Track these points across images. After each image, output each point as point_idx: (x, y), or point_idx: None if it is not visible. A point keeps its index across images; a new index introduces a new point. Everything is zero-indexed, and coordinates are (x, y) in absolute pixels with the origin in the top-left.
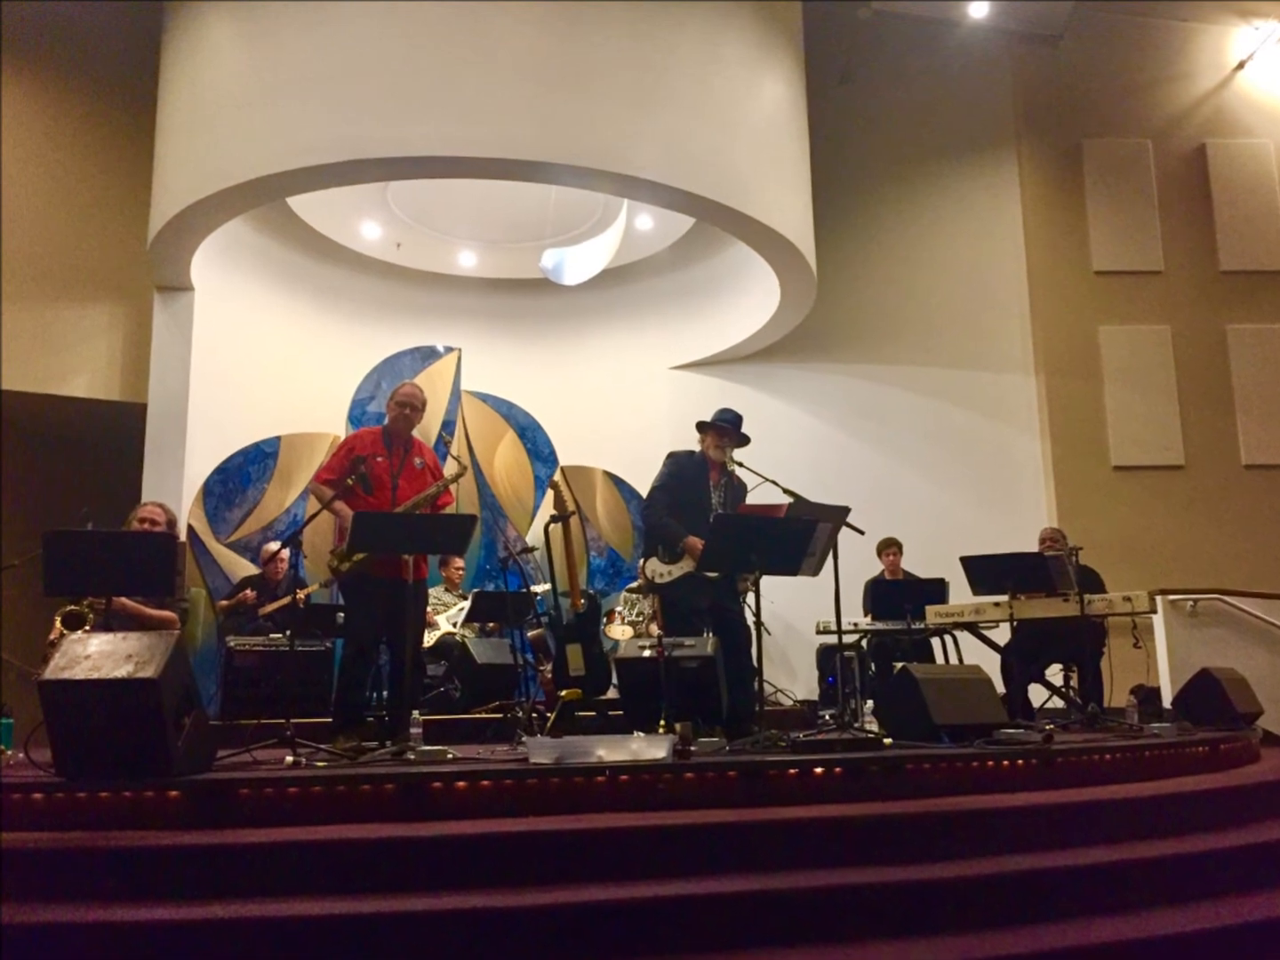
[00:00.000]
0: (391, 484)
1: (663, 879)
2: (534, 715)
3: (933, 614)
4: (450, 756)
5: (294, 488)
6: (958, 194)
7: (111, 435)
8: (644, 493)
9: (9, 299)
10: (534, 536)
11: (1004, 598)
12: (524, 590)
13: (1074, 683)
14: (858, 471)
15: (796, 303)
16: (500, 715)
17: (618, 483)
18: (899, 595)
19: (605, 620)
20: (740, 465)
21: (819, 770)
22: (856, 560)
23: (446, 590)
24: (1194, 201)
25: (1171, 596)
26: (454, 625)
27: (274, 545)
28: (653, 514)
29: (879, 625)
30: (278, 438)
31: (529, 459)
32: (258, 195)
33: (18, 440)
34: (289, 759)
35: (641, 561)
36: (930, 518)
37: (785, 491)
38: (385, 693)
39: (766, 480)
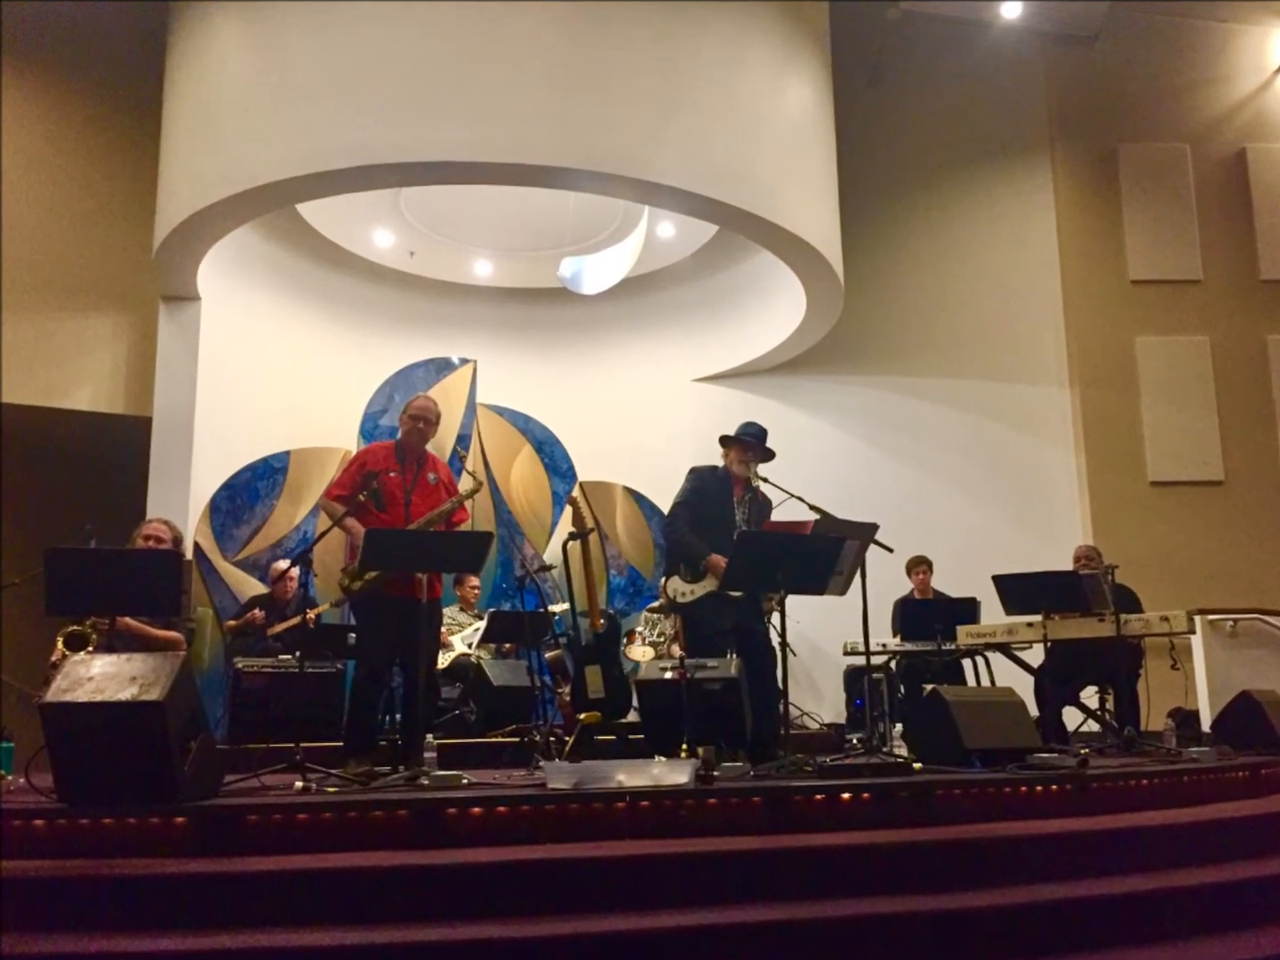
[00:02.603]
0: (405, 500)
1: (685, 908)
2: (552, 739)
3: (964, 634)
4: (465, 781)
5: (304, 504)
6: (990, 200)
7: (115, 450)
8: (665, 509)
9: (9, 309)
10: (552, 554)
11: (1037, 618)
12: (541, 610)
13: (1110, 705)
14: (886, 487)
15: (823, 313)
16: (517, 739)
17: (638, 499)
18: (929, 615)
19: (625, 641)
20: (765, 481)
21: (846, 796)
22: (885, 579)
23: (461, 610)
24: (1234, 208)
25: (1210, 616)
26: (469, 646)
27: (283, 564)
28: (674, 531)
29: (908, 646)
30: (287, 452)
31: (547, 474)
32: (266, 202)
33: (18, 455)
34: (299, 784)
35: (663, 580)
36: (961, 535)
37: (811, 508)
38: (398, 716)
39: (792, 496)
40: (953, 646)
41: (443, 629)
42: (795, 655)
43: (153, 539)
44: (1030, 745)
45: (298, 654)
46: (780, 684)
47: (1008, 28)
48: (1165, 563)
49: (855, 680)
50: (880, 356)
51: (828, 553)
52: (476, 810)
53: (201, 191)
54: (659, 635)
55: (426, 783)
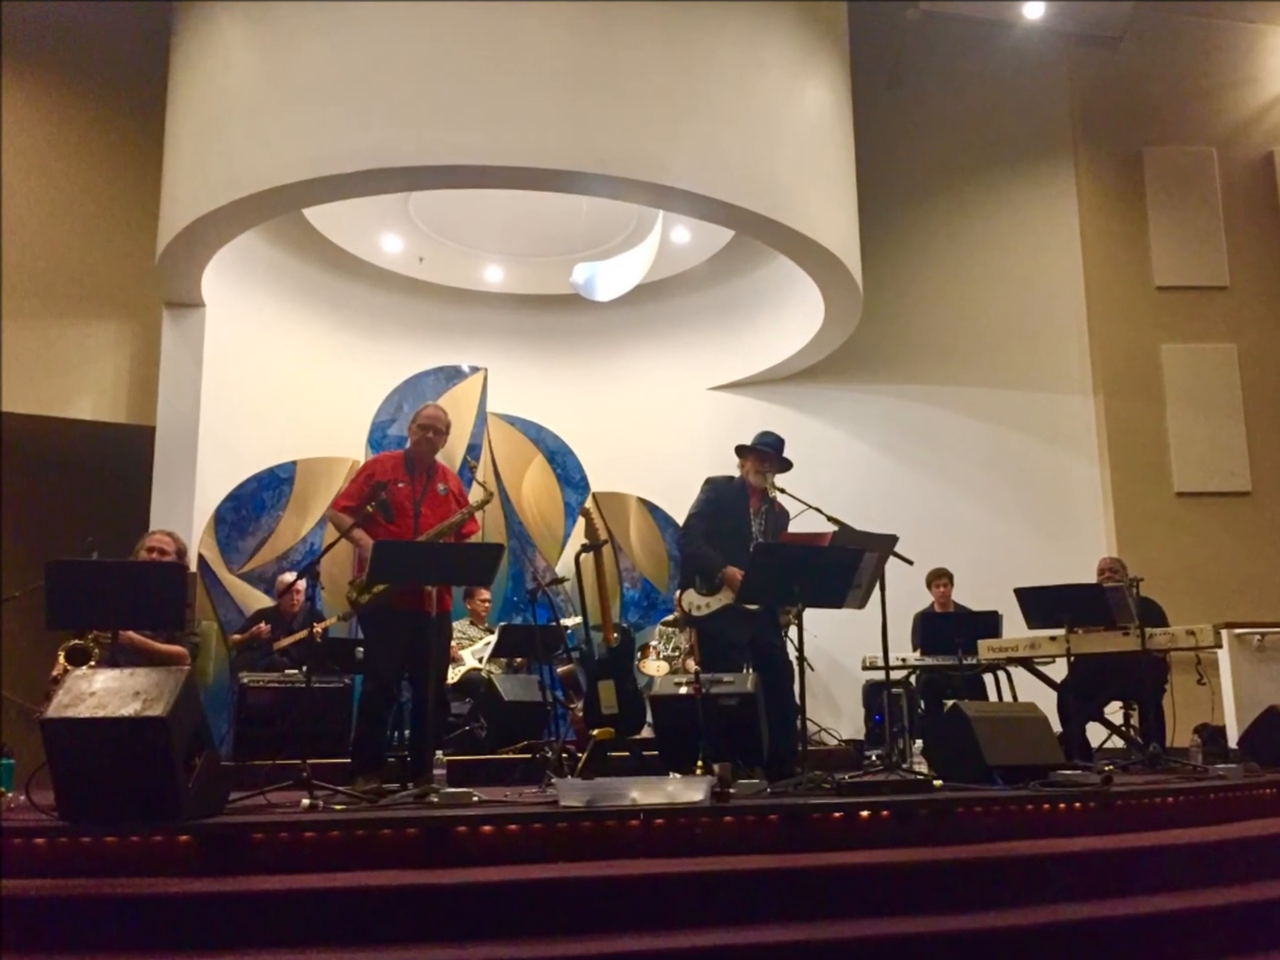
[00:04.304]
0: (414, 511)
1: (700, 928)
2: (564, 755)
3: (985, 648)
4: (475, 799)
5: (311, 515)
6: (1012, 205)
7: (118, 460)
8: (680, 520)
9: (10, 316)
10: (564, 567)
11: (1061, 631)
12: (553, 624)
13: (1134, 721)
14: (906, 498)
15: (841, 320)
16: (528, 755)
17: (652, 510)
18: (950, 629)
19: (639, 655)
20: (782, 491)
21: (865, 814)
22: (905, 592)
23: (472, 624)
24: (1261, 213)
25: (1238, 630)
26: (480, 660)
27: (289, 576)
28: (690, 543)
29: (928, 660)
30: (293, 462)
31: (559, 485)
32: (272, 206)
33: (19, 465)
34: (305, 802)
35: (678, 593)
36: (983, 547)
37: (829, 519)
38: (407, 732)
39: (810, 507)
40: (974, 661)
41: (452, 643)
42: (813, 670)
43: (156, 551)
44: (1053, 762)
45: (304, 669)
46: (798, 699)
47: (1030, 28)
48: (1191, 575)
49: (874, 695)
50: (900, 364)
51: (846, 565)
52: (487, 828)
53: (206, 196)
54: (674, 649)
55: (436, 800)
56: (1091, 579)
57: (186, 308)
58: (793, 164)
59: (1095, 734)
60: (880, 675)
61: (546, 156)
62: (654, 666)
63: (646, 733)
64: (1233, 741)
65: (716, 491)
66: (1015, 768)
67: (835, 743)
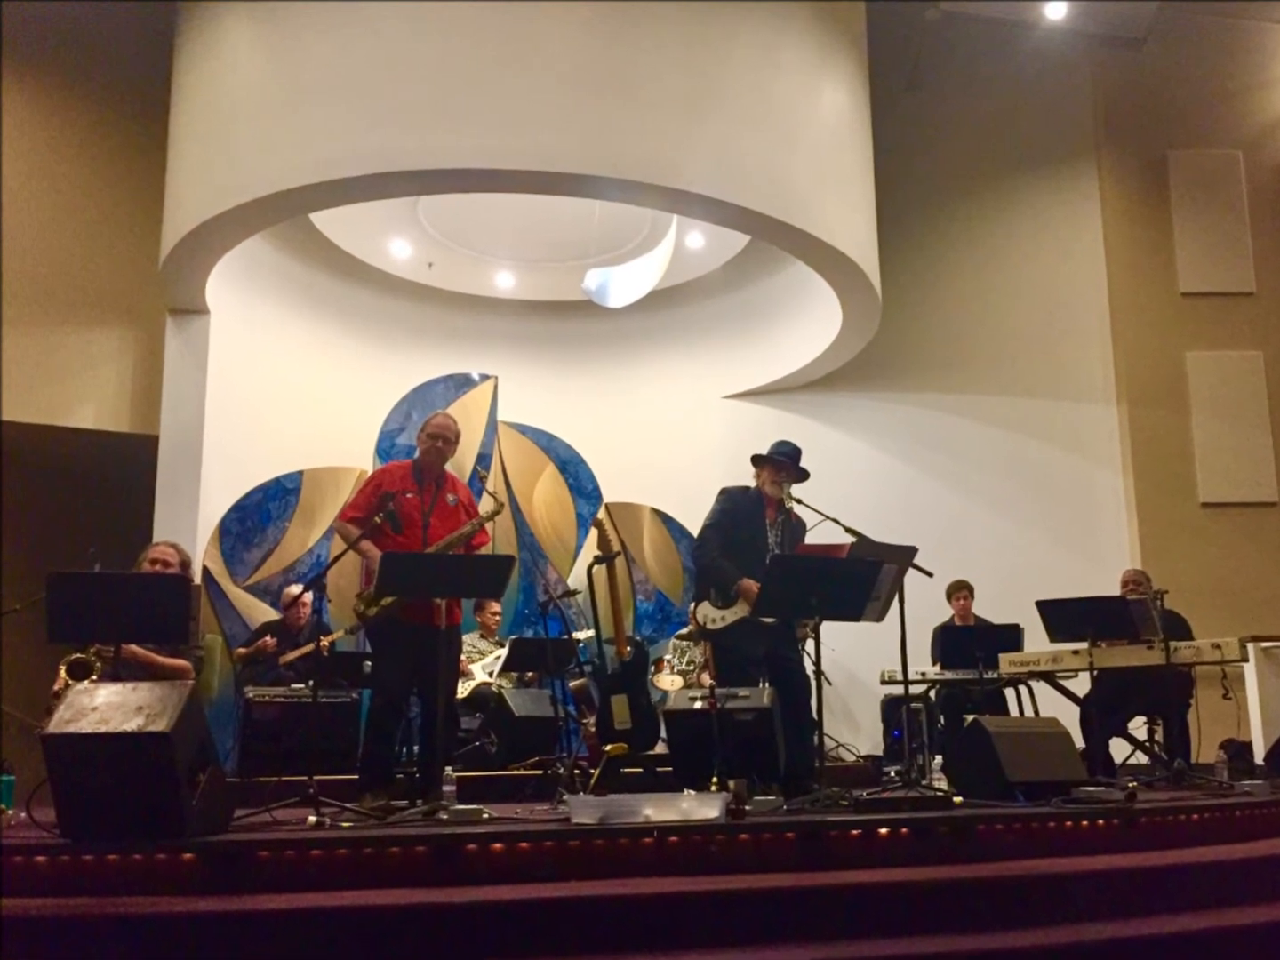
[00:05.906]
0: (422, 522)
1: (715, 948)
2: (576, 772)
3: (1006, 663)
4: (486, 816)
5: (317, 526)
6: (1034, 210)
7: (120, 470)
8: (695, 531)
9: (10, 323)
10: (576, 579)
11: (1083, 645)
12: (565, 637)
13: (1159, 737)
14: (925, 509)
15: (859, 327)
16: (540, 772)
17: (666, 521)
18: (970, 642)
19: (653, 669)
20: (799, 502)
21: (884, 831)
22: (924, 605)
23: (482, 637)
24: None
25: (1264, 644)
26: (490, 675)
27: (296, 588)
28: (704, 554)
29: (948, 675)
30: (300, 472)
31: (571, 495)
32: (278, 211)
33: (20, 475)
34: (312, 819)
35: (692, 606)
36: (1004, 559)
37: (847, 530)
38: (416, 747)
39: (827, 518)
40: (995, 675)
41: (462, 657)
42: (830, 684)
43: (160, 563)
44: (1076, 778)
45: (311, 683)
46: (815, 714)
47: (1052, 29)
48: (1217, 587)
49: (893, 710)
50: (919, 372)
51: (864, 577)
52: (497, 846)
53: (210, 200)
54: (688, 663)
55: (445, 817)
56: (1115, 591)
57: (191, 314)
58: (810, 168)
59: (1119, 750)
60: (899, 690)
61: (558, 160)
62: (668, 681)
63: (660, 748)
64: (1259, 757)
65: (732, 502)
66: (1037, 784)
67: (853, 759)
